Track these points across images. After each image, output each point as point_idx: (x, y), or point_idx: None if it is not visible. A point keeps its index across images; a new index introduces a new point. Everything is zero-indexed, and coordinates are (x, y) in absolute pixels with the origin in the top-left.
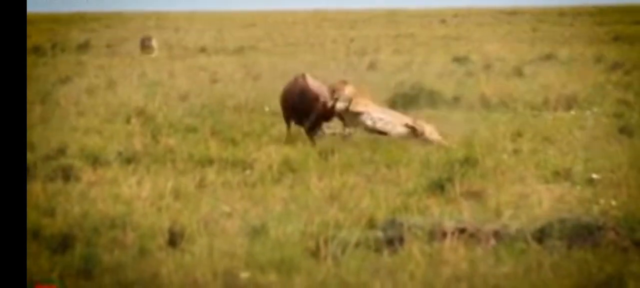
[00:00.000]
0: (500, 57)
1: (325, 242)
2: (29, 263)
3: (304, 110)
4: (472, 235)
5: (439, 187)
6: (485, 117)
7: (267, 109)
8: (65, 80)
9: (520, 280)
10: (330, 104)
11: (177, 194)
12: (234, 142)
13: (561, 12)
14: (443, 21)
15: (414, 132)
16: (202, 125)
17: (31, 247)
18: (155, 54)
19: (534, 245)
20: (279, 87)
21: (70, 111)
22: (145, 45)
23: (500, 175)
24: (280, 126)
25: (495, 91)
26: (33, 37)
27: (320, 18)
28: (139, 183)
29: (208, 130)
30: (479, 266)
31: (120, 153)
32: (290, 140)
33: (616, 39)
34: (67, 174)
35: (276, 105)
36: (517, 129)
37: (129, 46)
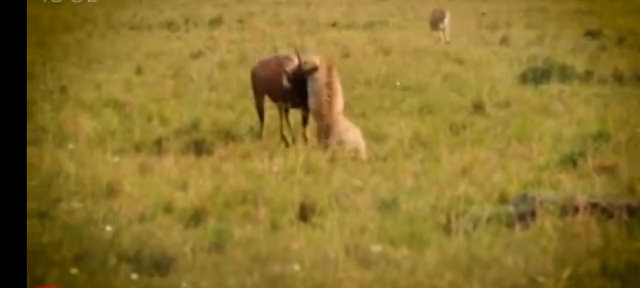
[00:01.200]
0: (634, 30)
1: (457, 216)
2: (162, 235)
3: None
4: (604, 210)
5: (571, 162)
6: (618, 92)
7: (398, 83)
8: (197, 55)
9: None
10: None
11: (308, 169)
12: (365, 116)
13: None
14: None
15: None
16: None
17: (164, 221)
18: (445, 37)
19: None
20: (410, 62)
21: (203, 86)
22: (436, 22)
23: (633, 149)
24: (412, 100)
25: (629, 65)
26: (166, 13)
27: None
28: (270, 157)
29: None
30: (611, 241)
31: (252, 128)
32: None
33: None
34: (200, 148)
35: (407, 80)
36: None
37: (259, 20)
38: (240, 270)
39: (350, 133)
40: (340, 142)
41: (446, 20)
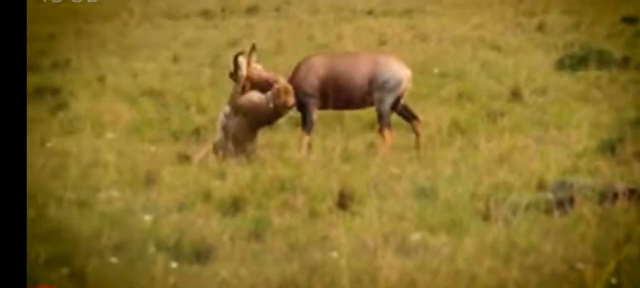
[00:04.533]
0: None
1: (495, 203)
2: (201, 224)
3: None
4: None
5: (609, 148)
6: None
7: (435, 70)
8: (234, 43)
9: None
10: None
11: (346, 157)
12: None
13: None
14: None
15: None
16: None
17: (202, 210)
18: None
19: None
20: (448, 49)
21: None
22: None
23: None
24: (449, 87)
25: None
26: (202, 1)
27: None
28: (308, 146)
29: None
30: None
31: (289, 117)
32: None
33: None
34: None
35: (445, 67)
36: None
37: (296, 9)
38: (279, 258)
39: None
40: None
41: None
